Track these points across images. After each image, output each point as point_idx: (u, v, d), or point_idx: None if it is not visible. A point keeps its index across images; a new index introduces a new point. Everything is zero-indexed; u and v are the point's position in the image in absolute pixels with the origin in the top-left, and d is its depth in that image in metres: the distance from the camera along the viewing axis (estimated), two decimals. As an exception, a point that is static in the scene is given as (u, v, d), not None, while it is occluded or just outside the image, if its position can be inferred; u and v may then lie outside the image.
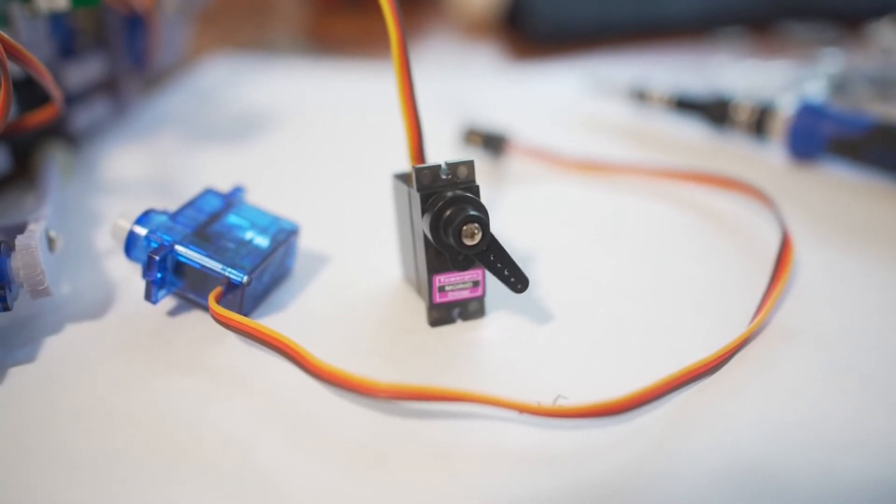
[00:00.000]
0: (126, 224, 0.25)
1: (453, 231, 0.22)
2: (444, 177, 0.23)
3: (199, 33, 0.58)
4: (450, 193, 0.23)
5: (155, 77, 0.50)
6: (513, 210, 0.34)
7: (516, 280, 0.24)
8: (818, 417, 0.21)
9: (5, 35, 0.24)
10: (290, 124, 0.44)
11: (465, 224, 0.22)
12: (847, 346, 0.24)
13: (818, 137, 0.36)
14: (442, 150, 0.39)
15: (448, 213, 0.23)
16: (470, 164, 0.24)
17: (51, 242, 0.26)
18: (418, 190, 0.23)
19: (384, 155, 0.34)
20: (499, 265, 0.24)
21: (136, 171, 0.38)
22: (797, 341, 0.24)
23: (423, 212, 0.23)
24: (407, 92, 0.24)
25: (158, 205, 0.27)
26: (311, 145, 0.42)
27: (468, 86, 0.50)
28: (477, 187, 0.24)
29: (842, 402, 0.21)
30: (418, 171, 0.23)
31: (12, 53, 0.24)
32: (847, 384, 0.22)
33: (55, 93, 0.28)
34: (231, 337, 0.24)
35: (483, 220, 0.23)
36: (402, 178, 0.26)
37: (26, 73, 0.26)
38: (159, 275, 0.24)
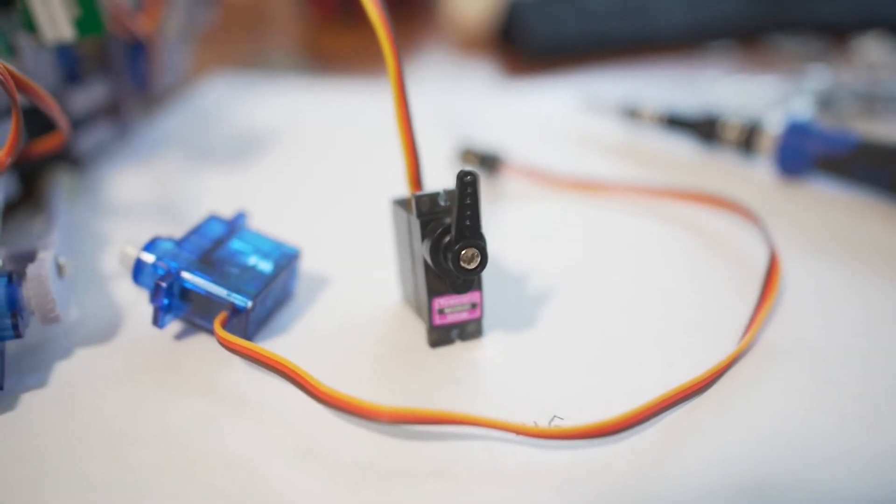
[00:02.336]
0: (133, 252, 0.26)
1: (452, 256, 0.23)
2: (442, 203, 0.24)
3: (198, 52, 0.59)
4: (448, 220, 0.24)
5: (156, 98, 0.51)
6: (508, 229, 0.34)
7: (471, 176, 0.22)
8: (807, 434, 0.22)
9: (15, 70, 0.24)
10: (288, 143, 0.45)
11: (464, 249, 0.23)
12: (835, 363, 0.25)
13: (805, 155, 0.37)
14: (439, 169, 0.39)
15: (447, 238, 0.24)
16: (466, 191, 0.24)
17: (60, 269, 0.26)
18: (418, 216, 0.24)
19: (383, 173, 0.34)
20: (469, 202, 0.23)
21: (139, 193, 0.39)
22: (786, 359, 0.25)
23: (423, 237, 0.24)
24: (405, 121, 0.25)
25: (160, 224, 0.28)
26: (310, 164, 0.42)
27: (463, 102, 0.51)
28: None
29: (831, 419, 0.22)
30: (417, 199, 0.24)
31: (22, 87, 0.25)
32: (836, 401, 0.23)
33: (62, 122, 0.29)
34: (236, 360, 0.25)
35: (481, 245, 0.23)
36: (402, 203, 0.26)
37: (33, 105, 0.27)
38: (166, 301, 0.25)
